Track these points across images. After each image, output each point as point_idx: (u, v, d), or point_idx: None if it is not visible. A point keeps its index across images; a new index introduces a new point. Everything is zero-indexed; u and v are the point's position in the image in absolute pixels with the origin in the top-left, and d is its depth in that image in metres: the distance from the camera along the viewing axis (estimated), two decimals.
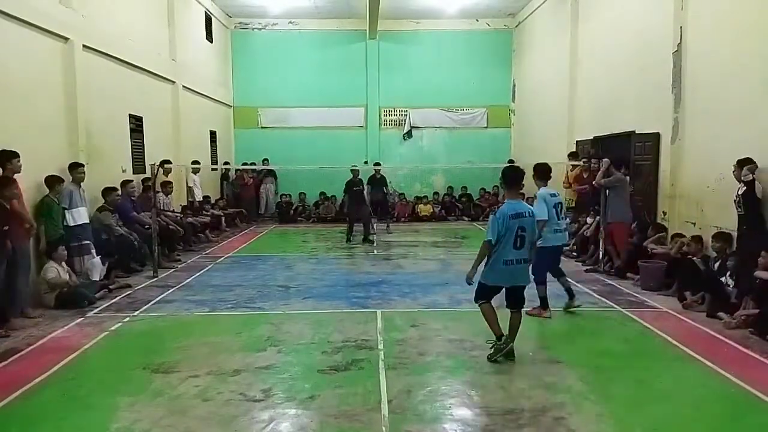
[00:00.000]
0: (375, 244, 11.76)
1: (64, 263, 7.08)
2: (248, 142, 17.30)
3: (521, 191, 5.22)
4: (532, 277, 5.44)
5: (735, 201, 6.45)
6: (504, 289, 5.04)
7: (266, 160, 15.75)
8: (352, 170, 12.48)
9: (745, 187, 6.28)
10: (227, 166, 15.89)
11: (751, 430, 3.89)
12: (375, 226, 13.44)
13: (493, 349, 4.94)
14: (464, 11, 16.24)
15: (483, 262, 4.96)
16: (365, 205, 12.47)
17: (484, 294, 5.00)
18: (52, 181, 7.24)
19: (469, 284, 4.97)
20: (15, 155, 6.47)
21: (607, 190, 8.49)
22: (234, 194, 15.71)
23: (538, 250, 5.77)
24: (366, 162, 15.67)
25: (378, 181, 13.41)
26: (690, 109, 8.19)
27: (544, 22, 14.76)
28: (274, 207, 16.57)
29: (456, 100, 17.57)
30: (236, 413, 4.01)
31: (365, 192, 12.62)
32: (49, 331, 5.90)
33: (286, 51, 17.20)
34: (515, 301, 5.03)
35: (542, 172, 6.35)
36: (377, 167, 13.45)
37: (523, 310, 5.19)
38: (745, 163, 6.30)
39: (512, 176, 5.04)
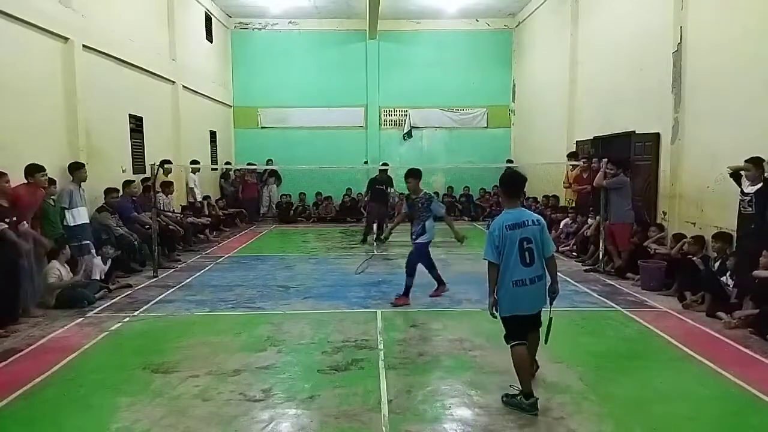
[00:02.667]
0: (370, 245, 11.74)
1: (66, 263, 7.09)
2: (248, 142, 17.32)
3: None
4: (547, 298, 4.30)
5: (745, 200, 6.34)
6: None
7: (270, 160, 15.75)
8: (380, 169, 12.38)
9: (760, 185, 6.19)
10: (228, 166, 15.86)
11: (751, 430, 3.88)
12: (374, 226, 13.44)
13: (513, 398, 4.09)
14: (464, 11, 16.24)
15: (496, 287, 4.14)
16: (386, 206, 12.38)
17: (509, 331, 4.15)
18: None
19: (494, 317, 4.19)
20: (39, 169, 6.64)
21: (608, 191, 8.49)
22: (232, 194, 15.70)
23: (421, 245, 6.74)
24: (366, 162, 15.65)
25: (384, 182, 13.38)
26: (690, 109, 8.19)
27: (544, 22, 14.77)
28: (275, 207, 16.56)
29: (456, 100, 17.57)
30: (236, 413, 4.01)
31: (389, 192, 12.52)
32: (49, 331, 5.90)
33: (286, 51, 17.21)
34: (532, 325, 4.29)
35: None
36: (385, 167, 13.45)
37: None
38: (762, 162, 6.23)
39: (511, 184, 4.32)
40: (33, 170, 6.67)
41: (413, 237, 7.12)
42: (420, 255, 7.11)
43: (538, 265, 4.09)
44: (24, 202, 6.50)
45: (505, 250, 4.04)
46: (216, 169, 15.63)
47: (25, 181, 6.65)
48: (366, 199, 13.18)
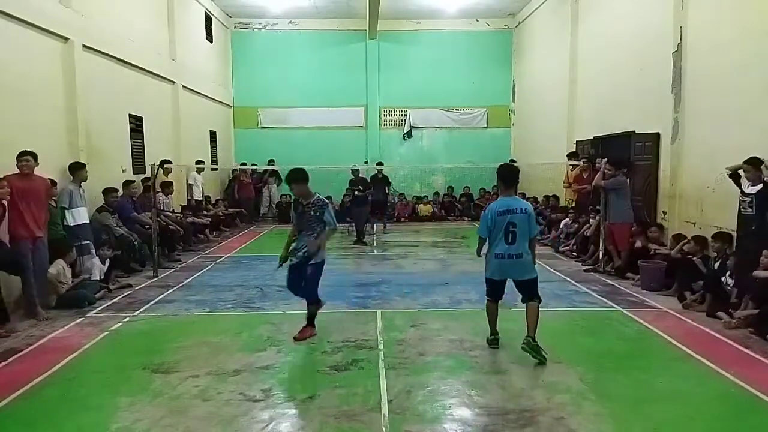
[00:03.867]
0: (369, 245, 11.73)
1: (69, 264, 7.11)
2: (248, 142, 17.30)
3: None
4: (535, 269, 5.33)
5: (746, 201, 6.31)
6: (515, 285, 5.22)
7: (272, 161, 15.73)
8: (352, 170, 12.54)
9: (760, 186, 6.16)
10: (245, 167, 15.76)
11: (751, 430, 3.88)
12: (374, 226, 13.47)
13: (488, 341, 5.38)
14: (464, 11, 16.24)
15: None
16: (365, 207, 12.47)
17: (487, 289, 5.32)
18: None
19: (479, 256, 5.38)
20: (21, 154, 6.38)
21: (607, 191, 8.48)
22: (230, 194, 15.69)
23: (318, 265, 5.81)
24: (366, 162, 15.65)
25: (380, 181, 13.39)
26: (690, 109, 8.19)
27: (544, 22, 14.76)
28: (275, 207, 16.55)
29: (456, 100, 17.57)
30: (236, 413, 4.01)
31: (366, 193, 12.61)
32: (49, 331, 5.90)
33: (286, 51, 17.20)
34: (525, 295, 5.19)
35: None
36: (380, 167, 13.44)
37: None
38: (760, 162, 6.19)
39: (507, 174, 5.29)
40: (18, 155, 6.36)
41: (302, 252, 5.90)
42: (319, 275, 5.99)
43: (520, 245, 5.04)
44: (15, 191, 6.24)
45: (495, 229, 5.08)
46: (216, 169, 15.62)
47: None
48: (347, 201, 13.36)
